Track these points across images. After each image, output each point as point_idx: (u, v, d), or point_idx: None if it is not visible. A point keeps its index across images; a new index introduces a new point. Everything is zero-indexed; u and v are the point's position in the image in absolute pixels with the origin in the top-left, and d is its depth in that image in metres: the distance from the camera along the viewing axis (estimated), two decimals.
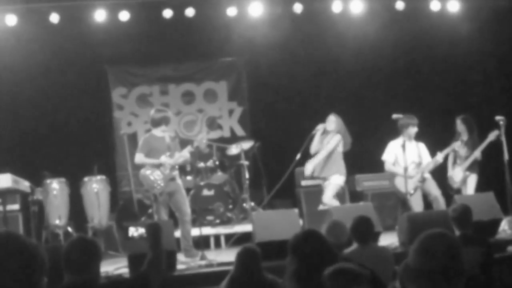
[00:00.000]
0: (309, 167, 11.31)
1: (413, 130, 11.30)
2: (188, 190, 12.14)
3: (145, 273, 4.48)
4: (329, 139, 11.26)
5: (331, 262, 4.41)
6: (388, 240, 10.26)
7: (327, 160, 11.21)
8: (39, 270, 2.45)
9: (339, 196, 11.84)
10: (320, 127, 11.28)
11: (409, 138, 11.30)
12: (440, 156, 11.26)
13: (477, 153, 11.73)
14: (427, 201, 11.42)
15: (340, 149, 11.26)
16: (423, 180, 11.30)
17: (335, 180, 11.18)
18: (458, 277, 2.92)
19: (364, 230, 6.99)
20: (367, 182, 13.37)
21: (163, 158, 10.37)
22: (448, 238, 3.02)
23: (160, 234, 4.77)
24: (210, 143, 13.21)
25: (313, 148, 11.33)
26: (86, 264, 4.40)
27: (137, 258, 8.29)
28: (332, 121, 11.29)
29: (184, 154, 10.60)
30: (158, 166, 10.37)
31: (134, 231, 5.10)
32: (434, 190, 11.31)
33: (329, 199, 11.07)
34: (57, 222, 11.93)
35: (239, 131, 14.95)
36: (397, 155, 11.31)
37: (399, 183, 11.25)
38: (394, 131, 11.42)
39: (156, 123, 10.57)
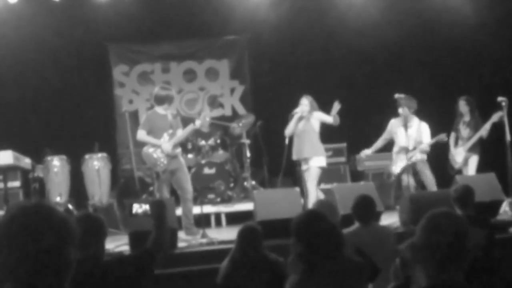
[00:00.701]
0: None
1: (403, 111, 11.23)
2: (189, 168, 12.14)
3: (150, 250, 4.47)
4: (312, 120, 11.12)
5: (336, 242, 4.40)
6: (389, 219, 10.26)
7: (304, 141, 11.02)
8: (72, 243, 2.44)
9: (339, 175, 11.86)
10: (299, 110, 11.11)
11: (405, 119, 11.25)
12: (425, 145, 11.21)
13: (483, 132, 11.67)
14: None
15: (317, 129, 11.13)
16: (412, 163, 11.24)
17: (315, 163, 11.00)
18: (463, 256, 2.92)
19: (366, 210, 6.98)
20: (368, 161, 13.34)
21: (164, 144, 10.32)
22: (455, 217, 3.01)
23: (165, 212, 4.75)
24: (214, 121, 13.17)
25: (288, 130, 11.12)
26: (91, 241, 4.39)
27: (138, 235, 8.31)
28: (305, 105, 11.12)
29: (188, 129, 10.54)
30: (159, 146, 10.35)
31: (138, 208, 5.06)
32: (426, 174, 11.30)
33: (313, 186, 10.98)
34: (58, 199, 11.92)
35: (241, 110, 14.93)
36: (396, 134, 11.31)
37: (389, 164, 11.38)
38: (396, 111, 11.40)
39: (160, 100, 10.52)
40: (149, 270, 4.44)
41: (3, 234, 2.37)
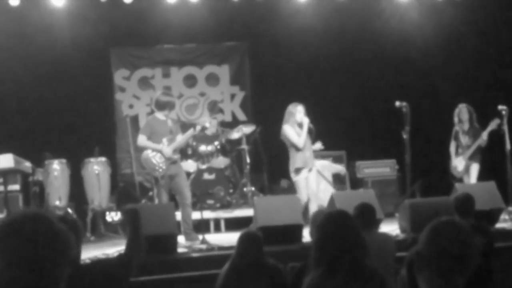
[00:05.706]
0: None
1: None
2: (188, 173, 12.14)
3: (127, 255, 4.51)
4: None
5: (359, 246, 4.27)
6: (388, 227, 10.26)
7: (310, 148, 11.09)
8: (67, 256, 2.43)
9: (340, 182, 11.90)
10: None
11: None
12: None
13: (481, 141, 11.70)
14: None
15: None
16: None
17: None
18: (468, 265, 2.91)
19: (367, 217, 6.98)
20: (367, 169, 13.40)
21: (164, 148, 10.33)
22: (459, 226, 3.01)
23: (139, 219, 4.75)
24: (222, 128, 13.20)
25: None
26: None
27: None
28: (301, 111, 10.96)
29: (187, 134, 10.59)
30: (159, 150, 10.36)
31: (114, 216, 5.05)
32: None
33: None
34: (57, 203, 11.90)
35: (241, 116, 14.93)
36: None
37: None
38: (396, 119, 11.40)
39: (161, 106, 10.54)
40: (124, 275, 4.48)
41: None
